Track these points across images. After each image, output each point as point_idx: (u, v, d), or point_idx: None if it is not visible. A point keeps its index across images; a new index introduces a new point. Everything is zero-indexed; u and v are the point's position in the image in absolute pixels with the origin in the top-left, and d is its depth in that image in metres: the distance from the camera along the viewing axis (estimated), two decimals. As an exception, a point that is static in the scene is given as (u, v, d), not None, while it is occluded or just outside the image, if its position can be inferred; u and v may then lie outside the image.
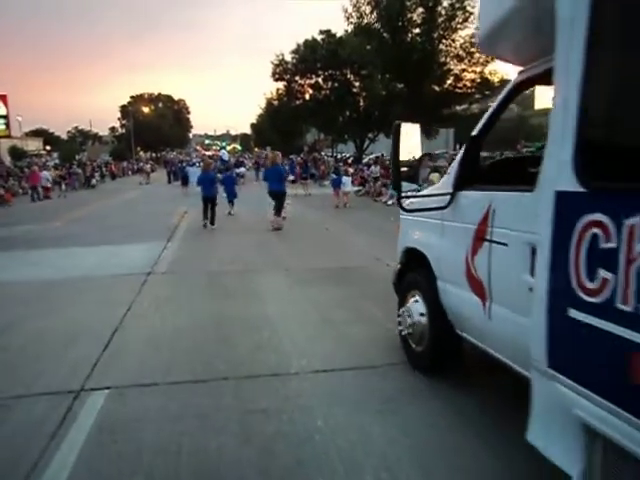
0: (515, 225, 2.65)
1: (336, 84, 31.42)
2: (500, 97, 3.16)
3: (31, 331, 5.07)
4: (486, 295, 2.95)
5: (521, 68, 2.97)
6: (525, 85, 3.03)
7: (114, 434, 3.07)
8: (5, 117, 41.18)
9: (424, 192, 3.97)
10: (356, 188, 20.29)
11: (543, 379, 2.06)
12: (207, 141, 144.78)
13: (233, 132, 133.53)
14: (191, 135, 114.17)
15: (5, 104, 40.93)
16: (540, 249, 2.09)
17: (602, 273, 1.73)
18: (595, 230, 1.76)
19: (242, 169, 34.35)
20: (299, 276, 7.21)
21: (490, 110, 3.25)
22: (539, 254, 2.11)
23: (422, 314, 3.78)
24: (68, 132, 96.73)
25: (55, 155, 60.30)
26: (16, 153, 49.75)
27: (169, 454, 2.85)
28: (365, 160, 29.51)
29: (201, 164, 16.67)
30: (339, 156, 38.67)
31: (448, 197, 3.33)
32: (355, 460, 2.79)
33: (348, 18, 23.26)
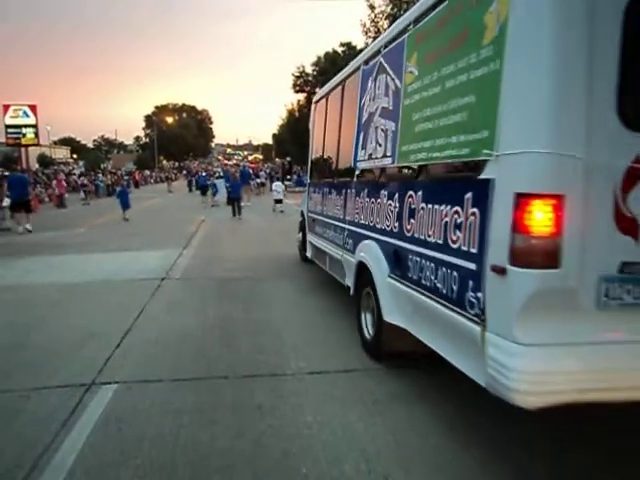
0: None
1: (355, 96, 31.65)
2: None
3: (50, 330, 5.43)
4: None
5: None
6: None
7: (119, 423, 3.35)
8: (34, 126, 42.56)
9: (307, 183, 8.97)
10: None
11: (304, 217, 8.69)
12: (229, 150, 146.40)
13: (255, 142, 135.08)
14: (213, 145, 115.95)
15: (35, 114, 42.35)
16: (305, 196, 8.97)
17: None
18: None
19: (262, 179, 35.06)
20: (305, 286, 7.48)
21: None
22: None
23: (301, 234, 9.05)
24: (94, 141, 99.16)
25: (81, 163, 61.92)
26: (44, 161, 51.30)
27: (167, 443, 3.11)
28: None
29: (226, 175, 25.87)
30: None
31: (307, 183, 8.43)
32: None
33: (366, 32, 23.74)
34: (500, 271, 2.50)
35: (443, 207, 3.16)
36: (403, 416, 3.48)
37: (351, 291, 5.07)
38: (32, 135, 42.51)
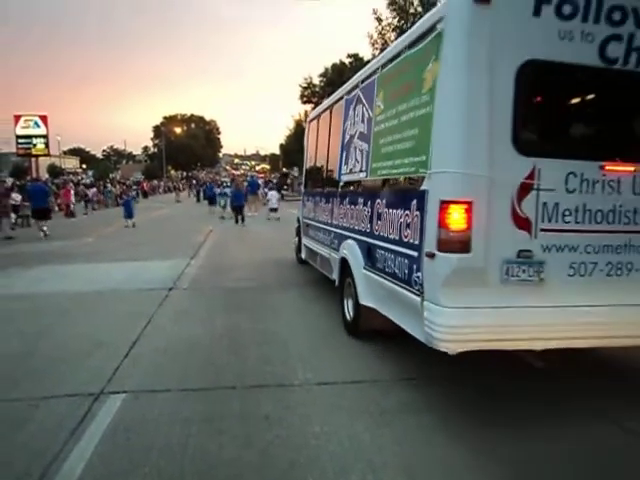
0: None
1: (362, 107, 31.80)
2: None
3: (59, 339, 5.47)
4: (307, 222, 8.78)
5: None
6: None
7: (128, 433, 3.37)
8: (45, 137, 43.02)
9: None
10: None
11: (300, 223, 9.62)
12: (236, 160, 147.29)
13: (263, 152, 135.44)
14: (221, 154, 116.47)
15: (45, 124, 42.83)
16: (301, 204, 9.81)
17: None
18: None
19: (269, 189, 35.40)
20: (307, 292, 7.50)
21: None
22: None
23: (297, 239, 9.97)
24: (103, 151, 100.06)
25: (90, 173, 62.49)
26: (54, 171, 51.79)
27: (175, 452, 3.13)
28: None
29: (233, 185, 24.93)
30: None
31: (303, 192, 9.23)
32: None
33: (373, 44, 23.90)
34: (431, 256, 3.42)
35: (399, 211, 4.13)
36: (410, 426, 3.49)
37: (336, 282, 6.08)
38: (42, 145, 42.97)
